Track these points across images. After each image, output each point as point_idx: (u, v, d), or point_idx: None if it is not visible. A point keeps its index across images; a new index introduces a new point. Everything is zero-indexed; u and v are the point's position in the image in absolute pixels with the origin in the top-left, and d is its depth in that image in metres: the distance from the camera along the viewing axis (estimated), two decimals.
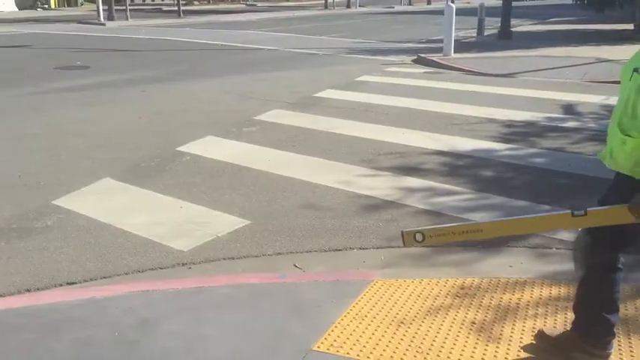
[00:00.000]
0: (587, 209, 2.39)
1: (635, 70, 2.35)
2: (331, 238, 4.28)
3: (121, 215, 4.68)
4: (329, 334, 2.94)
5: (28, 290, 3.60)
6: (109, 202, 4.98)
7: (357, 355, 2.77)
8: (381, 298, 3.31)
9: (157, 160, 6.05)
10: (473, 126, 7.32)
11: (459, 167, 5.76)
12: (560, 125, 7.41)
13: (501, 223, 2.73)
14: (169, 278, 3.70)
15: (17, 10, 32.22)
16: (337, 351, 2.80)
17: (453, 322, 3.04)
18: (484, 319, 3.06)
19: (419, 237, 2.54)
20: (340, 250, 4.13)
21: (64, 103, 8.97)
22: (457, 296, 3.31)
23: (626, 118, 2.37)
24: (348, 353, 2.78)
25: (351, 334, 2.93)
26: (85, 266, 3.89)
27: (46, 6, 34.59)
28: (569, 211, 2.43)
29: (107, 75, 11.65)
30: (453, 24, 14.08)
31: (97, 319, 3.16)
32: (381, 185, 5.27)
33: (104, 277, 3.77)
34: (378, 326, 3.01)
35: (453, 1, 14.41)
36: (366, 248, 4.14)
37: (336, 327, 3.00)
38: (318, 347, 2.83)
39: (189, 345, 2.89)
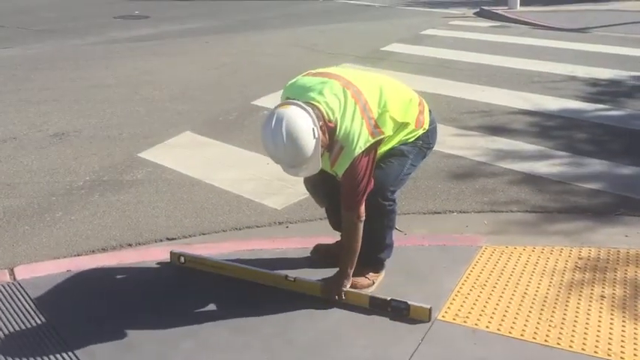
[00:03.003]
0: (296, 278, 2.92)
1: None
2: (428, 200, 4.13)
3: (208, 170, 4.61)
4: (451, 303, 2.82)
5: (130, 245, 3.58)
6: (194, 156, 4.92)
7: (486, 327, 2.65)
8: (496, 265, 3.17)
9: (234, 114, 5.94)
10: (555, 84, 6.98)
11: (550, 128, 5.49)
12: None
13: (239, 269, 3.06)
14: (268, 237, 3.61)
15: None
16: (464, 321, 2.68)
17: (580, 295, 2.88)
18: (614, 294, 2.89)
19: (182, 259, 3.14)
20: (440, 213, 3.98)
21: (130, 54, 8.91)
22: (578, 267, 3.15)
23: None
24: (476, 324, 2.66)
25: (474, 304, 2.81)
26: (182, 222, 3.83)
27: None
28: (284, 274, 2.95)
29: (168, 25, 11.55)
30: None
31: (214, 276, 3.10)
32: (471, 145, 5.06)
33: (202, 234, 3.71)
34: (501, 296, 2.88)
35: None
36: (467, 212, 3.98)
37: (456, 296, 2.88)
38: (443, 317, 2.72)
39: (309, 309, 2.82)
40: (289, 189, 4.28)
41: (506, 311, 2.76)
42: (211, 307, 2.85)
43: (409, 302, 2.71)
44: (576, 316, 2.72)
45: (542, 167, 4.61)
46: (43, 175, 4.52)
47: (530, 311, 2.75)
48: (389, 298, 2.75)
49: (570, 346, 2.52)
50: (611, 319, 2.70)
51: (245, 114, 5.94)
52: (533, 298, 2.86)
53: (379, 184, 2.77)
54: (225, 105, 6.21)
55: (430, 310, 2.69)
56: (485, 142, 5.12)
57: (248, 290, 2.97)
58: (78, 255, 3.44)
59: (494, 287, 2.96)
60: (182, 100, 6.42)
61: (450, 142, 5.08)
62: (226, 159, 4.87)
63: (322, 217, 3.92)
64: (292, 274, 2.98)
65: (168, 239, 3.65)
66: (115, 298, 2.92)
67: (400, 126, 2.77)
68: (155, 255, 3.29)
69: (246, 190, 4.27)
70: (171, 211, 3.98)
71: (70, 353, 2.49)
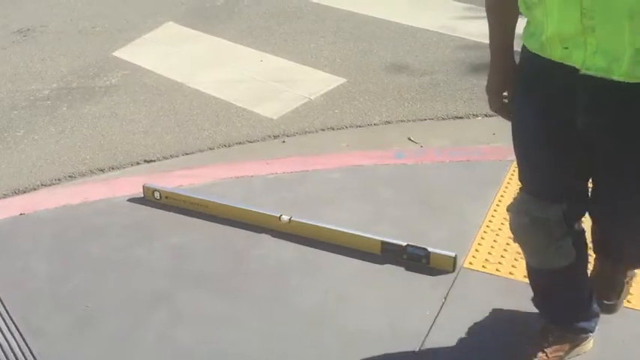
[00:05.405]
0: (291, 218, 2.42)
1: None
2: (448, 101, 3.55)
3: (193, 71, 4.02)
4: (479, 244, 2.35)
5: (102, 170, 3.09)
6: (177, 54, 4.29)
7: (524, 277, 2.18)
8: None
9: None
10: None
11: None
12: None
13: (225, 207, 2.55)
14: (263, 157, 3.09)
15: None
16: (497, 270, 2.23)
17: None
18: None
19: (157, 195, 2.65)
20: (461, 117, 3.43)
21: None
22: None
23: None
24: (511, 273, 2.21)
25: (507, 245, 2.34)
26: (162, 139, 3.32)
27: None
28: (278, 214, 2.43)
29: None
30: None
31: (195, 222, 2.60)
32: None
33: (186, 154, 3.21)
34: None
35: None
36: (494, 115, 3.40)
37: (485, 233, 2.40)
38: (470, 264, 2.26)
39: (308, 261, 2.36)
40: (286, 92, 3.71)
41: None
42: (191, 256, 2.39)
43: (429, 249, 2.24)
44: None
45: None
46: (4, 83, 3.96)
47: None
48: (404, 244, 2.27)
49: (628, 301, 2.07)
50: None
51: None
52: None
53: None
54: None
55: (455, 258, 2.22)
56: None
57: (233, 236, 2.46)
58: (41, 185, 2.97)
59: None
60: None
61: (466, 26, 4.40)
62: (214, 55, 4.25)
63: (324, 129, 3.41)
64: (288, 209, 2.50)
65: (146, 161, 3.16)
66: (76, 249, 2.42)
67: None
68: (127, 188, 2.78)
69: (236, 96, 3.71)
70: (149, 126, 3.45)
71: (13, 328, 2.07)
